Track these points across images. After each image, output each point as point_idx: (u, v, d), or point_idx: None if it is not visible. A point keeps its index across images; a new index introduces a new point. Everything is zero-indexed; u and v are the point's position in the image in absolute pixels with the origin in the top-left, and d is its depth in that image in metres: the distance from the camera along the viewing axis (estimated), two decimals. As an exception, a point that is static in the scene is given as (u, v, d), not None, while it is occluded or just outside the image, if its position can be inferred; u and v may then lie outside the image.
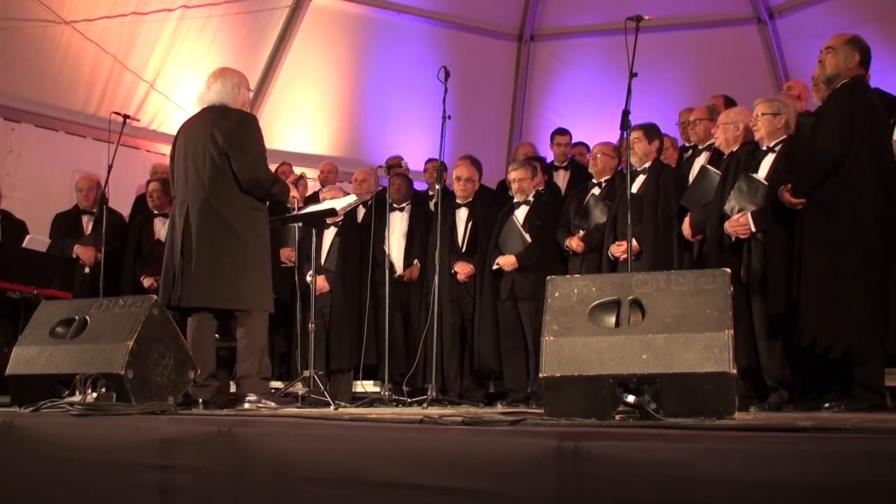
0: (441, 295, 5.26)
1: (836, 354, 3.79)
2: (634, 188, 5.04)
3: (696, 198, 4.78)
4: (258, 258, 4.21)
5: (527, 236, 5.56)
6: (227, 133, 4.14)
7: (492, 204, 6.22)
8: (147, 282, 5.96)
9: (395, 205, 6.29)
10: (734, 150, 4.69)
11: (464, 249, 5.89)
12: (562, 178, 6.63)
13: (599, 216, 5.33)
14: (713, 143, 5.03)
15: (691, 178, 5.08)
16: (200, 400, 4.04)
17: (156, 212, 6.29)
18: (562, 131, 6.90)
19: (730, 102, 5.64)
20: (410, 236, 6.13)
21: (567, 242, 5.43)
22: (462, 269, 5.79)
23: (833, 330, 3.78)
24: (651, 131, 5.20)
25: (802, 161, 4.04)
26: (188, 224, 4.13)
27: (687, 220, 4.75)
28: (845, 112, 3.92)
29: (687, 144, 5.89)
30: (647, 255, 4.92)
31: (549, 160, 6.91)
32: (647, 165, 5.16)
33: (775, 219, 4.14)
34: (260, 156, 4.23)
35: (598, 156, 5.56)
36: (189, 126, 4.35)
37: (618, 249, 4.99)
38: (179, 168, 4.28)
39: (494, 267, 5.62)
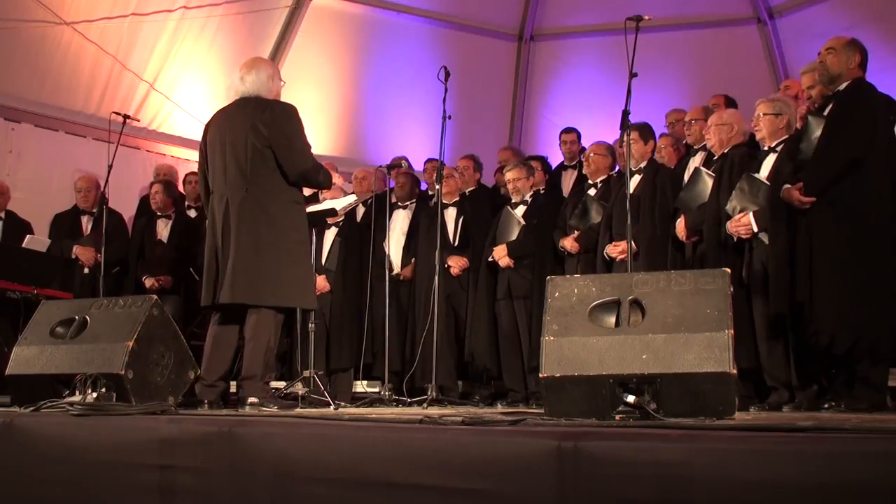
0: (444, 294, 5.26)
1: (857, 354, 3.78)
2: (630, 188, 5.04)
3: (689, 200, 4.78)
4: (300, 253, 4.11)
5: (522, 221, 5.57)
6: (271, 125, 4.02)
7: (485, 202, 6.23)
8: (148, 282, 5.98)
9: (399, 203, 6.30)
10: (725, 151, 4.70)
11: (455, 244, 5.89)
12: (569, 177, 6.61)
13: (596, 216, 5.33)
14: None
15: (685, 179, 5.07)
16: (206, 401, 3.98)
17: (158, 213, 6.31)
18: (568, 130, 6.89)
19: (730, 102, 5.64)
20: (410, 235, 6.14)
21: (561, 243, 5.43)
22: (455, 263, 5.78)
23: (852, 329, 3.77)
24: (646, 132, 5.20)
25: (817, 160, 4.00)
26: (228, 218, 4.01)
27: (681, 221, 4.75)
28: (866, 112, 3.93)
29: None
30: (644, 255, 4.92)
31: (556, 160, 6.90)
32: (642, 166, 5.17)
33: (777, 219, 4.14)
34: (306, 147, 4.13)
35: (592, 156, 5.55)
36: (223, 117, 4.20)
37: (615, 250, 4.99)
38: (215, 161, 4.13)
39: (490, 259, 5.62)
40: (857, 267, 3.82)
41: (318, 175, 4.22)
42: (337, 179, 4.43)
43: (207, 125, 4.30)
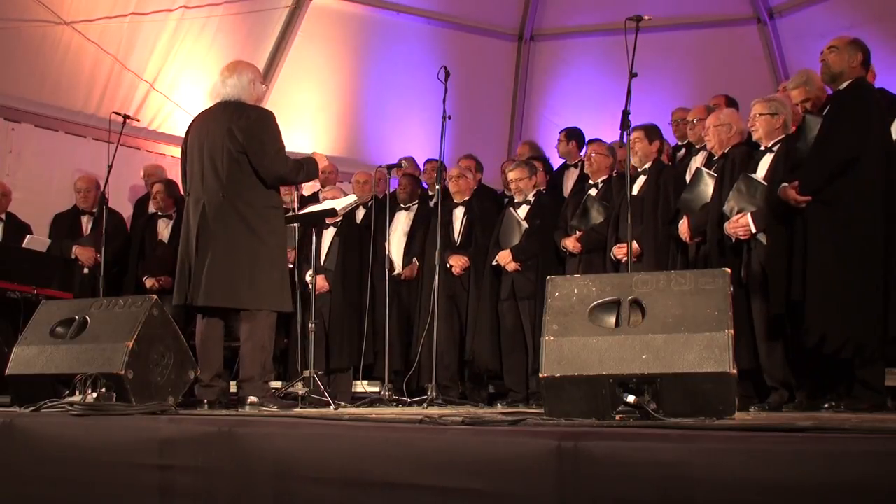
0: (445, 294, 5.25)
1: (844, 354, 3.79)
2: (635, 189, 5.04)
3: (691, 200, 4.78)
4: (277, 257, 4.16)
5: (524, 224, 5.57)
6: (246, 131, 4.07)
7: (487, 201, 6.22)
8: (149, 282, 5.98)
9: (401, 204, 6.30)
10: (726, 151, 4.70)
11: (458, 244, 5.88)
12: (571, 177, 6.60)
13: (597, 216, 5.33)
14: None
15: (688, 179, 5.07)
16: (206, 401, 4.00)
17: (160, 213, 6.31)
18: (561, 131, 6.88)
19: (731, 103, 5.64)
20: (412, 235, 6.14)
21: (563, 243, 5.42)
22: (457, 262, 5.76)
23: (840, 329, 3.78)
24: (651, 132, 5.19)
25: (812, 159, 4.02)
26: (204, 222, 4.05)
27: (684, 222, 4.74)
28: (861, 112, 3.93)
29: (679, 143, 5.89)
30: (649, 256, 4.91)
31: (558, 160, 6.90)
32: (647, 166, 5.16)
33: (775, 219, 4.14)
34: (280, 152, 4.17)
35: (593, 156, 5.55)
36: (203, 121, 4.26)
37: (620, 251, 4.99)
38: (194, 164, 4.20)
39: (494, 263, 5.62)
40: (847, 267, 3.83)
41: (297, 175, 4.28)
42: (323, 161, 4.44)
43: (189, 127, 4.36)
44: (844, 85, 4.09)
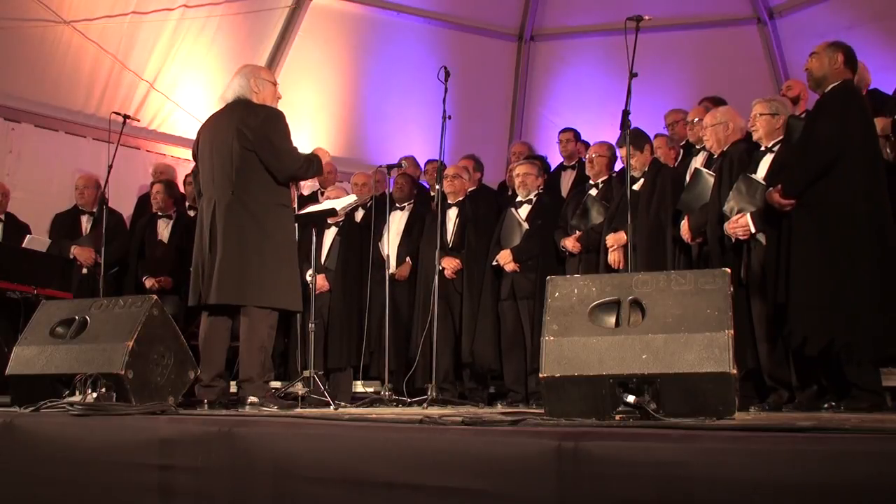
0: (438, 295, 5.25)
1: (824, 355, 3.80)
2: (635, 188, 5.05)
3: (691, 201, 4.78)
4: (286, 255, 4.17)
5: (525, 225, 5.56)
6: (255, 129, 4.09)
7: (487, 201, 6.21)
8: (149, 282, 5.97)
9: (397, 203, 6.29)
10: (725, 150, 4.70)
11: (451, 245, 5.86)
12: (567, 178, 6.62)
13: (597, 216, 5.34)
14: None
15: (688, 180, 5.07)
16: (206, 401, 3.99)
17: (160, 213, 6.31)
18: (565, 130, 6.90)
19: (720, 104, 5.63)
20: (407, 235, 6.14)
21: (563, 243, 5.43)
22: (448, 264, 5.74)
23: (821, 331, 3.79)
24: (637, 141, 5.10)
25: (792, 162, 4.05)
26: (216, 221, 4.08)
27: (685, 222, 4.75)
28: (837, 114, 3.95)
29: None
30: (642, 254, 4.92)
31: (557, 160, 6.91)
32: (645, 170, 5.18)
33: (775, 219, 4.15)
34: (290, 150, 4.20)
35: (595, 157, 5.56)
36: (212, 122, 4.30)
37: (609, 240, 5.02)
38: (205, 165, 4.24)
39: (494, 263, 5.62)
40: (831, 268, 3.83)
41: (307, 172, 4.31)
42: (326, 157, 4.46)
43: (199, 131, 4.39)
44: (829, 88, 4.10)
